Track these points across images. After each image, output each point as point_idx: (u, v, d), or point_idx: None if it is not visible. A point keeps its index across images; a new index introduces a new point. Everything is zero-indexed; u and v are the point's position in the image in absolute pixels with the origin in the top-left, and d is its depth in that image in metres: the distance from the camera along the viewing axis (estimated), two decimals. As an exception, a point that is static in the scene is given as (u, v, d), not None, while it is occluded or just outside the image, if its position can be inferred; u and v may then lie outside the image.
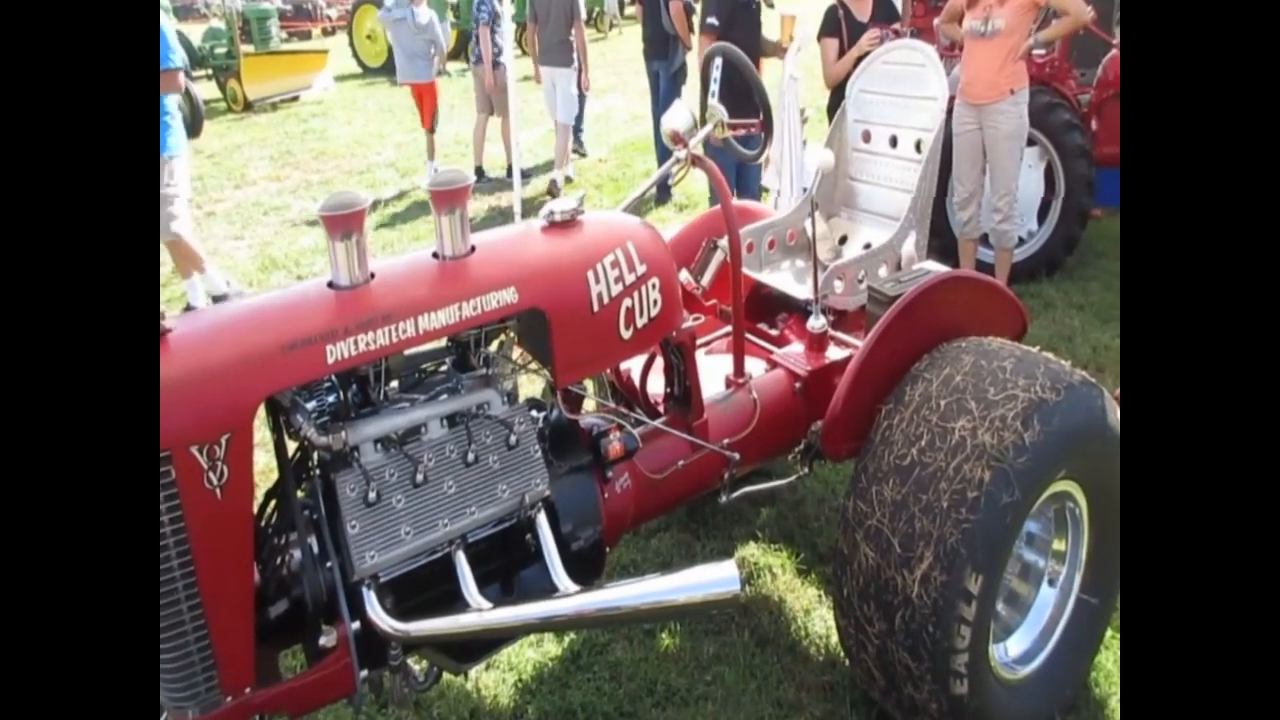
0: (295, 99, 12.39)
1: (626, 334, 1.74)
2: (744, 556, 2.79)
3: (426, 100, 7.65)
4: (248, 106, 11.72)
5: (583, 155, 8.22)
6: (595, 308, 1.68)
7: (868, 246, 2.65)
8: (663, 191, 6.61)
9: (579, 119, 8.04)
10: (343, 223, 1.48)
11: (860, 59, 4.54)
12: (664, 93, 6.54)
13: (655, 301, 1.78)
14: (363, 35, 15.05)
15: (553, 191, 7.01)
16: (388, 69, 14.80)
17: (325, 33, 20.81)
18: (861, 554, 1.90)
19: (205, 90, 11.46)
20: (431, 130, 7.75)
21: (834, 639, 2.41)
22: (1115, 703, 2.17)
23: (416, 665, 1.78)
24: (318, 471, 1.59)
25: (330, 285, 1.53)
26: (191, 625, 1.35)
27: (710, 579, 1.59)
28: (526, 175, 7.27)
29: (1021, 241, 4.70)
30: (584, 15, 7.09)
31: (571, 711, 2.22)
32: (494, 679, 2.35)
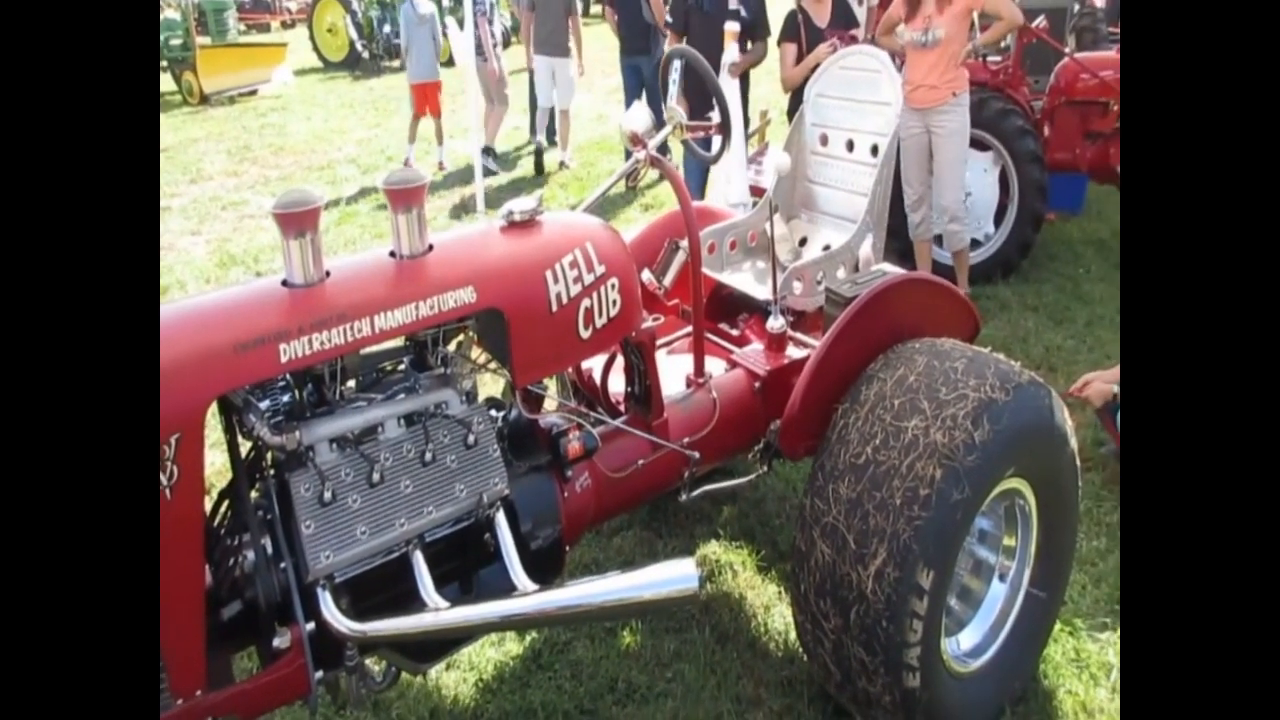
0: (253, 93, 12.15)
1: (585, 334, 1.75)
2: (705, 554, 2.81)
3: (431, 95, 7.89)
4: (204, 100, 11.45)
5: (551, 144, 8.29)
6: (554, 308, 1.68)
7: (827, 248, 2.70)
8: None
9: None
10: (296, 221, 1.46)
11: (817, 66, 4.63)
12: (649, 85, 6.63)
13: (614, 302, 1.79)
14: (323, 29, 14.80)
15: (566, 164, 7.66)
16: (349, 64, 14.60)
17: (285, 25, 20.41)
18: (818, 551, 1.93)
19: (159, 83, 11.15)
20: (419, 119, 7.90)
21: (793, 635, 2.44)
22: (1063, 694, 2.24)
23: (375, 666, 1.77)
24: (271, 472, 1.57)
25: (284, 284, 1.51)
26: None
27: (669, 576, 1.61)
28: (496, 160, 7.74)
29: (977, 244, 4.82)
30: (579, 8, 7.40)
31: (532, 710, 2.22)
32: (454, 678, 2.34)
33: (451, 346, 1.71)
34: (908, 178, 4.37)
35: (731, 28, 4.41)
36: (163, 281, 5.33)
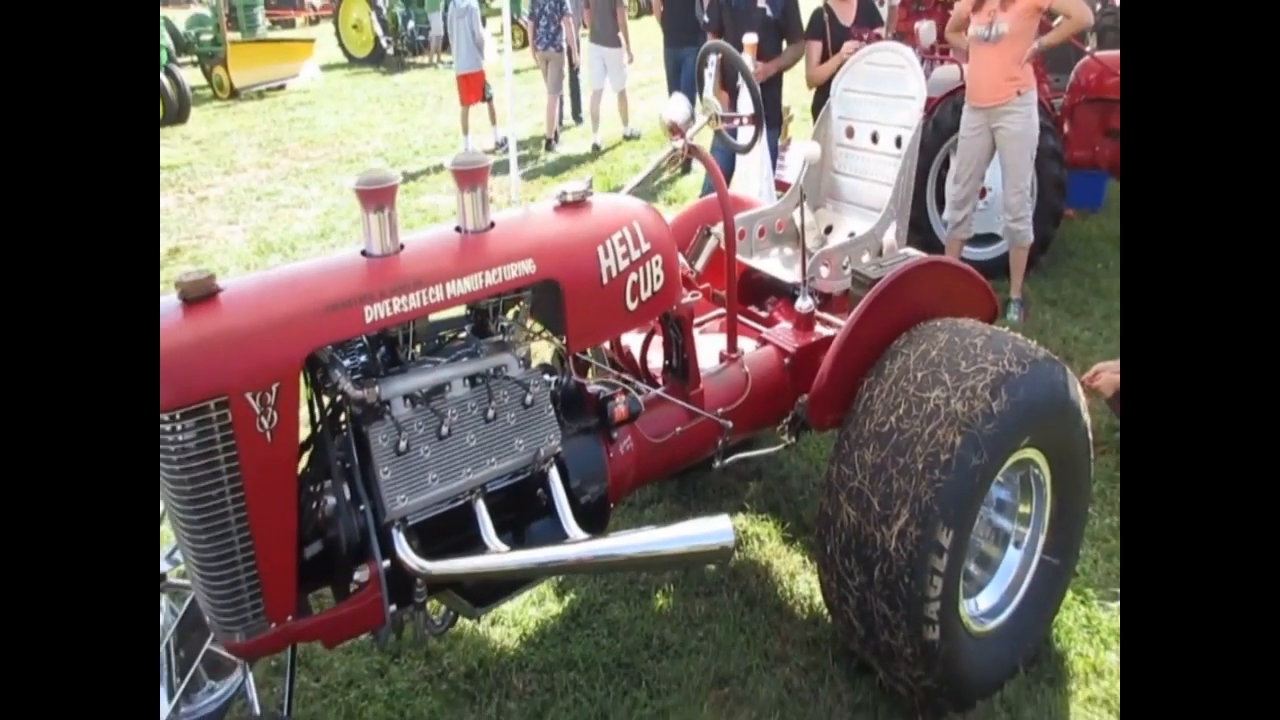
0: (281, 88, 12.39)
1: (632, 306, 1.89)
2: (733, 525, 2.95)
3: (474, 84, 8.36)
4: (233, 94, 11.71)
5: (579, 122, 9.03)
6: (604, 280, 1.83)
7: (852, 235, 2.83)
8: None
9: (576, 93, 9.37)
10: (376, 196, 1.62)
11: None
12: (688, 77, 7.04)
13: (658, 277, 1.94)
14: (349, 25, 15.04)
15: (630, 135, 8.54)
16: (374, 59, 14.84)
17: (309, 21, 20.71)
18: (844, 513, 2.07)
19: (190, 77, 11.41)
20: (472, 103, 8.40)
21: (817, 599, 2.59)
22: (1073, 656, 2.37)
23: (433, 612, 1.93)
24: (348, 425, 1.73)
25: (364, 254, 1.66)
26: (241, 556, 1.49)
27: (707, 531, 1.76)
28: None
29: (996, 239, 4.92)
30: (625, 1, 8.21)
31: (573, 662, 2.38)
32: (499, 633, 2.50)
33: (509, 315, 1.87)
34: (958, 175, 4.38)
35: (749, 40, 4.52)
36: (204, 268, 5.53)
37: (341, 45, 15.11)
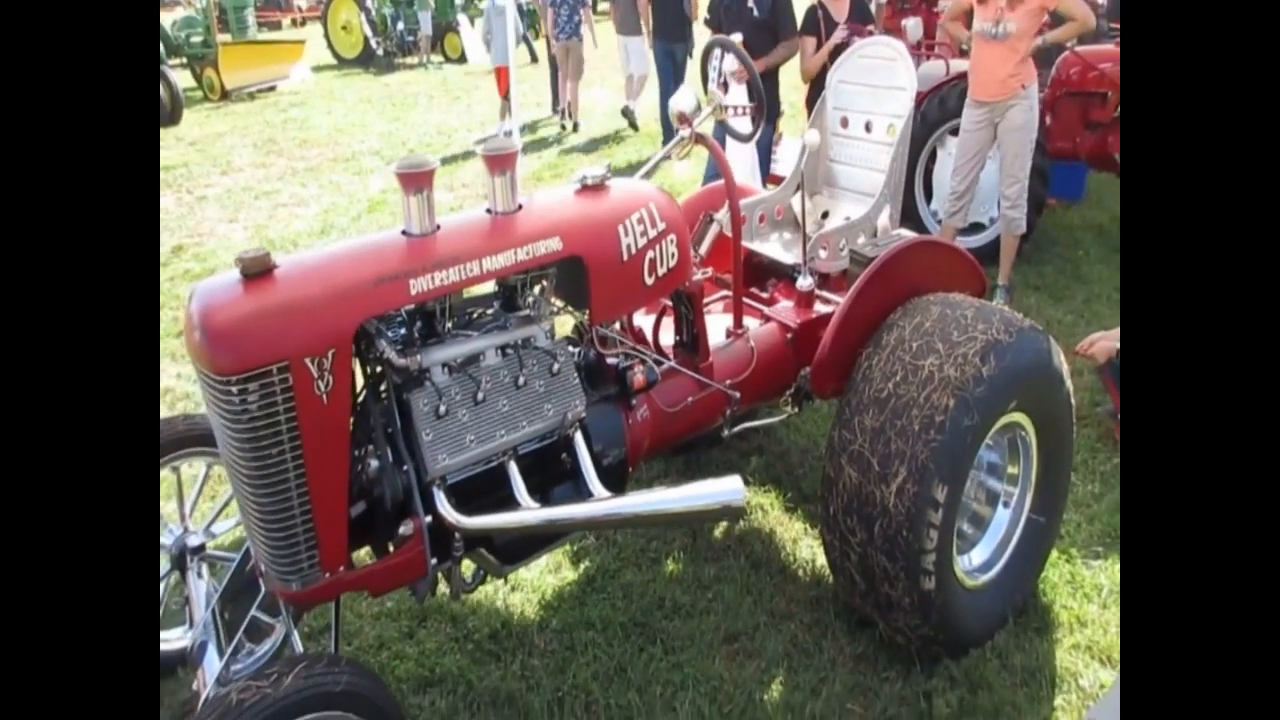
0: (272, 89, 12.44)
1: (650, 281, 2.04)
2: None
3: (504, 76, 8.65)
4: (224, 96, 11.75)
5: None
6: (625, 257, 1.98)
7: (847, 219, 2.98)
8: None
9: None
10: (415, 179, 1.75)
11: (834, 53, 4.90)
12: (680, 68, 7.67)
13: (672, 255, 2.09)
14: (338, 26, 15.09)
15: (628, 117, 9.09)
16: (363, 60, 14.91)
17: (295, 23, 20.71)
18: (845, 475, 2.23)
19: (179, 79, 11.46)
20: (506, 97, 8.74)
21: (818, 562, 2.74)
22: (1058, 608, 2.53)
23: (464, 572, 2.07)
24: (388, 392, 1.86)
25: (404, 233, 1.80)
26: (299, 510, 1.62)
27: (721, 489, 1.90)
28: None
29: (981, 228, 5.10)
30: None
31: (591, 623, 2.52)
32: (519, 598, 2.63)
33: (535, 291, 2.01)
34: (959, 168, 4.49)
35: (736, 38, 4.68)
36: (207, 265, 5.63)
37: (330, 46, 15.16)
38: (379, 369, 1.82)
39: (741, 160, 4.31)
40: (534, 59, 10.73)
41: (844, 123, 3.06)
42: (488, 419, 1.84)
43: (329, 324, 1.58)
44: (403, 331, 1.84)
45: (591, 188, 2.04)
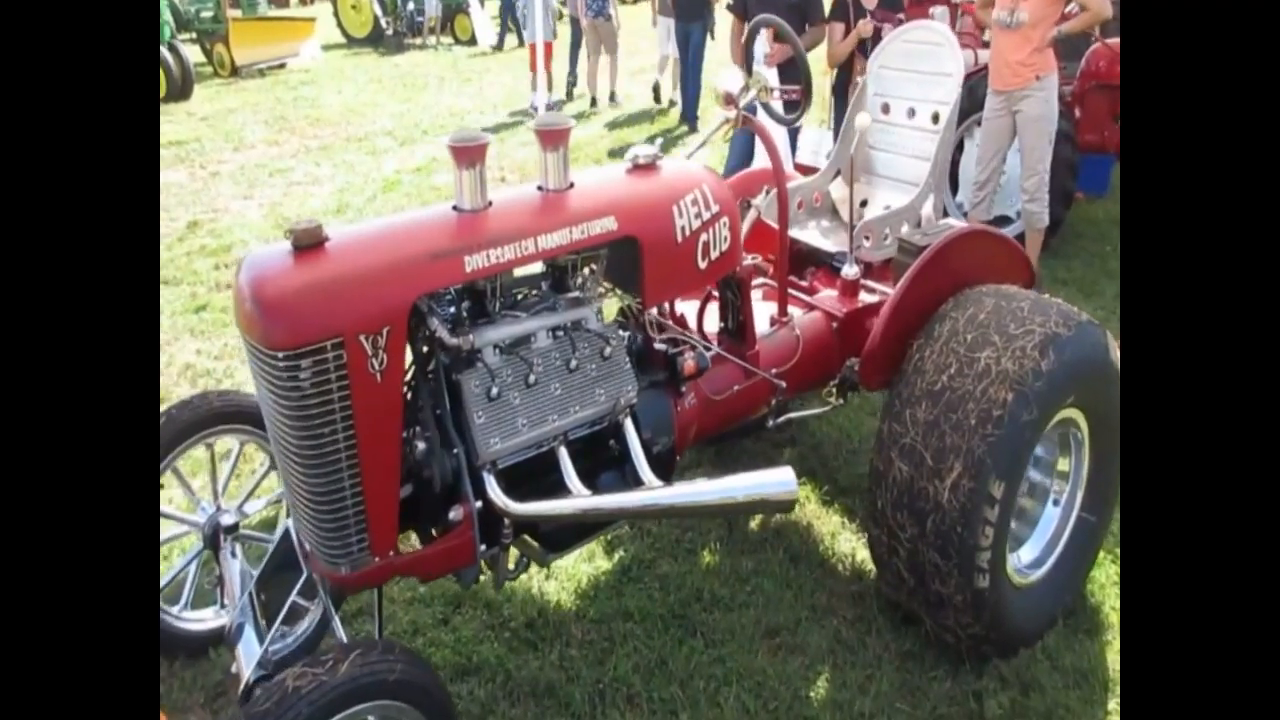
0: (282, 66, 12.31)
1: (703, 265, 1.98)
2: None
3: (546, 51, 8.82)
4: (234, 72, 11.63)
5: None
6: (679, 239, 1.92)
7: (887, 208, 2.92)
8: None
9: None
10: (468, 154, 1.69)
11: (862, 43, 4.82)
12: (695, 49, 7.93)
13: (725, 238, 2.03)
14: (348, 5, 14.93)
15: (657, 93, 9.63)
16: (372, 40, 14.76)
17: (303, 2, 20.50)
18: (896, 469, 2.18)
19: (190, 54, 11.33)
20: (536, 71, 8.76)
21: (858, 555, 2.70)
22: (1107, 609, 2.49)
23: (509, 559, 2.02)
24: (437, 373, 1.81)
25: (455, 209, 1.74)
26: (350, 492, 1.58)
27: (774, 480, 1.86)
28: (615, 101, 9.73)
29: (1009, 221, 5.03)
30: None
31: (629, 613, 2.48)
32: (554, 587, 2.59)
33: (585, 272, 1.95)
34: (981, 157, 4.48)
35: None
36: (224, 240, 5.57)
37: (340, 25, 15.01)
38: (427, 348, 1.77)
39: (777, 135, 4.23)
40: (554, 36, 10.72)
41: (885, 109, 2.99)
42: (540, 402, 1.79)
43: (385, 300, 1.53)
44: (451, 310, 1.79)
45: (643, 167, 1.98)
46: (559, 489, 1.83)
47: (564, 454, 1.82)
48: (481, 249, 1.66)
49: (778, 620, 2.47)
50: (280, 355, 1.44)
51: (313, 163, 7.56)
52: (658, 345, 2.07)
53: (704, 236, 1.96)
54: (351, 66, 12.90)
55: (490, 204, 1.76)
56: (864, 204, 3.07)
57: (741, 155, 4.86)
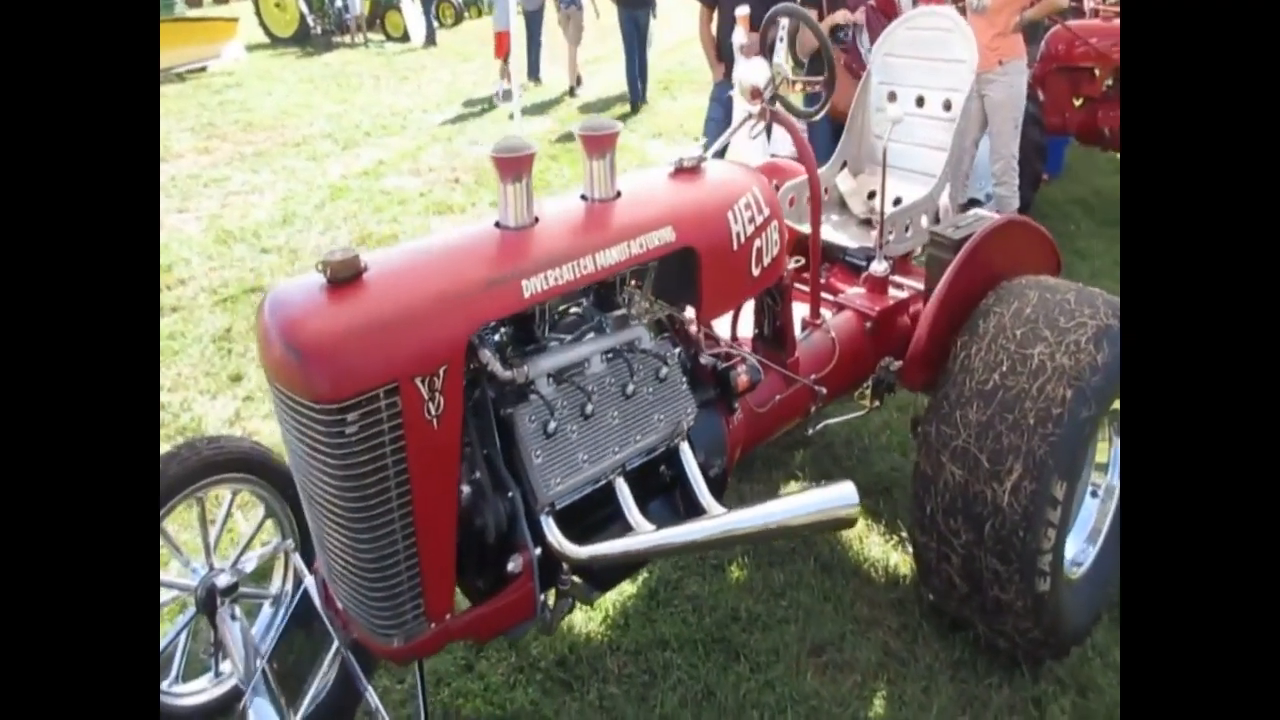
0: (202, 69, 11.62)
1: (756, 272, 1.84)
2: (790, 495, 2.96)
3: (504, 40, 9.05)
4: (151, 76, 10.90)
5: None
6: (735, 246, 1.77)
7: (898, 200, 2.83)
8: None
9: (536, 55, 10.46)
10: (514, 165, 1.51)
11: (834, 30, 4.74)
12: (642, 33, 8.29)
13: (775, 243, 1.89)
14: (270, 3, 14.22)
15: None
16: (298, 39, 14.10)
17: (218, 1, 19.48)
18: (947, 473, 2.08)
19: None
20: (505, 59, 9.11)
21: (892, 561, 2.61)
22: (1142, 597, 2.46)
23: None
24: (479, 411, 1.62)
25: (498, 225, 1.55)
26: (404, 554, 1.38)
27: (836, 497, 1.73)
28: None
29: (978, 204, 5.05)
30: None
31: (665, 641, 2.33)
32: (580, 619, 2.42)
33: (632, 286, 1.78)
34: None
35: (741, 12, 4.47)
36: (163, 259, 5.16)
37: (263, 24, 14.28)
38: (473, 384, 1.57)
39: (753, 141, 4.11)
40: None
41: (891, 97, 2.90)
42: (599, 435, 1.62)
43: (440, 336, 1.34)
44: (496, 339, 1.60)
45: (689, 170, 1.83)
46: (613, 524, 1.67)
47: (623, 487, 1.66)
48: (538, 271, 1.48)
49: (821, 636, 2.35)
50: (326, 408, 1.24)
51: (249, 170, 7.11)
52: (703, 360, 1.92)
53: (757, 242, 1.83)
54: (279, 67, 12.27)
55: (537, 220, 1.58)
56: (872, 195, 2.98)
57: (722, 129, 4.70)
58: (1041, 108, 5.19)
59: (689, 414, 1.76)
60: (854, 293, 2.50)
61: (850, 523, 2.16)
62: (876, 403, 2.44)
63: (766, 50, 2.35)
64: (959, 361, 2.12)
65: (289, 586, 2.23)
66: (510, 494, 1.54)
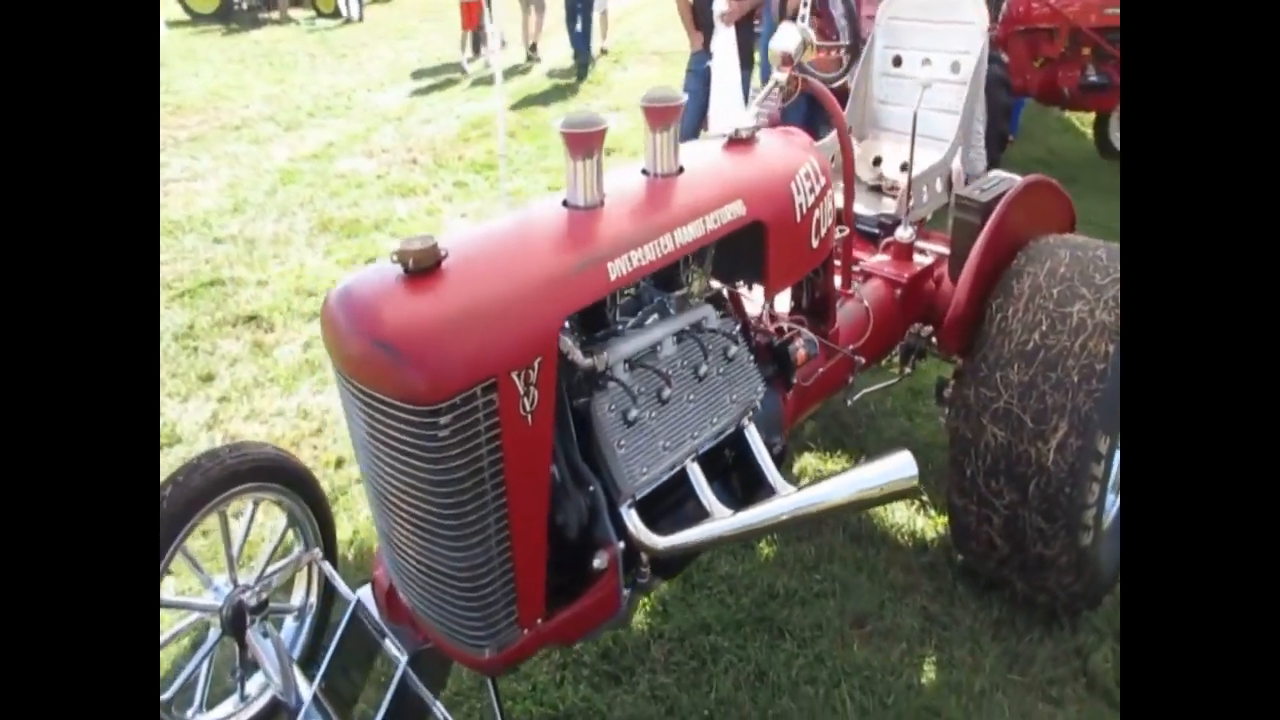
0: (118, 50, 10.88)
1: (815, 244, 1.79)
2: (804, 466, 2.94)
3: (473, 11, 9.15)
4: (62, 59, 10.16)
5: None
6: (798, 218, 1.72)
7: (903, 166, 2.81)
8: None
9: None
10: (585, 142, 1.42)
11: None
12: (588, 5, 8.47)
13: (830, 213, 1.84)
14: (188, -23, 13.38)
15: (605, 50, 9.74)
16: (221, 16, 13.33)
17: (124, -25, 18.26)
18: (988, 435, 2.08)
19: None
20: (471, 29, 9.32)
21: (918, 525, 2.62)
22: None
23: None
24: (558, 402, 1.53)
25: (565, 204, 1.46)
26: (499, 560, 1.29)
27: (897, 467, 1.70)
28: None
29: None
30: None
31: (707, 625, 2.29)
32: (621, 608, 2.36)
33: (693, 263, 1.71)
34: None
35: None
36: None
37: (183, 1, 13.44)
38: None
39: (732, 104, 4.05)
40: None
41: (896, 61, 2.86)
42: (676, 420, 1.55)
43: (535, 326, 1.25)
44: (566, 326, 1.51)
45: (744, 141, 1.75)
46: (683, 510, 1.61)
47: (697, 472, 1.59)
48: (622, 252, 1.40)
49: (860, 606, 2.35)
50: (421, 409, 1.14)
51: (187, 156, 6.70)
52: (760, 337, 1.86)
53: (816, 213, 1.78)
54: (204, 46, 11.58)
55: (605, 198, 1.49)
56: (877, 161, 2.95)
57: (697, 111, 4.64)
58: (1007, 69, 5.25)
59: (759, 393, 1.70)
60: (879, 260, 2.48)
61: (913, 492, 2.16)
62: (908, 369, 2.43)
63: (790, 17, 2.28)
64: (995, 324, 2.11)
65: (314, 599, 2.11)
66: (591, 487, 1.46)
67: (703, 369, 1.60)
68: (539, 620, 1.39)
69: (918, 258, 2.46)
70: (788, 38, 2.13)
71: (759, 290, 2.22)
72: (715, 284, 1.78)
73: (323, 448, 3.07)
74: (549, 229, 1.41)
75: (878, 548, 2.56)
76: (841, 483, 1.69)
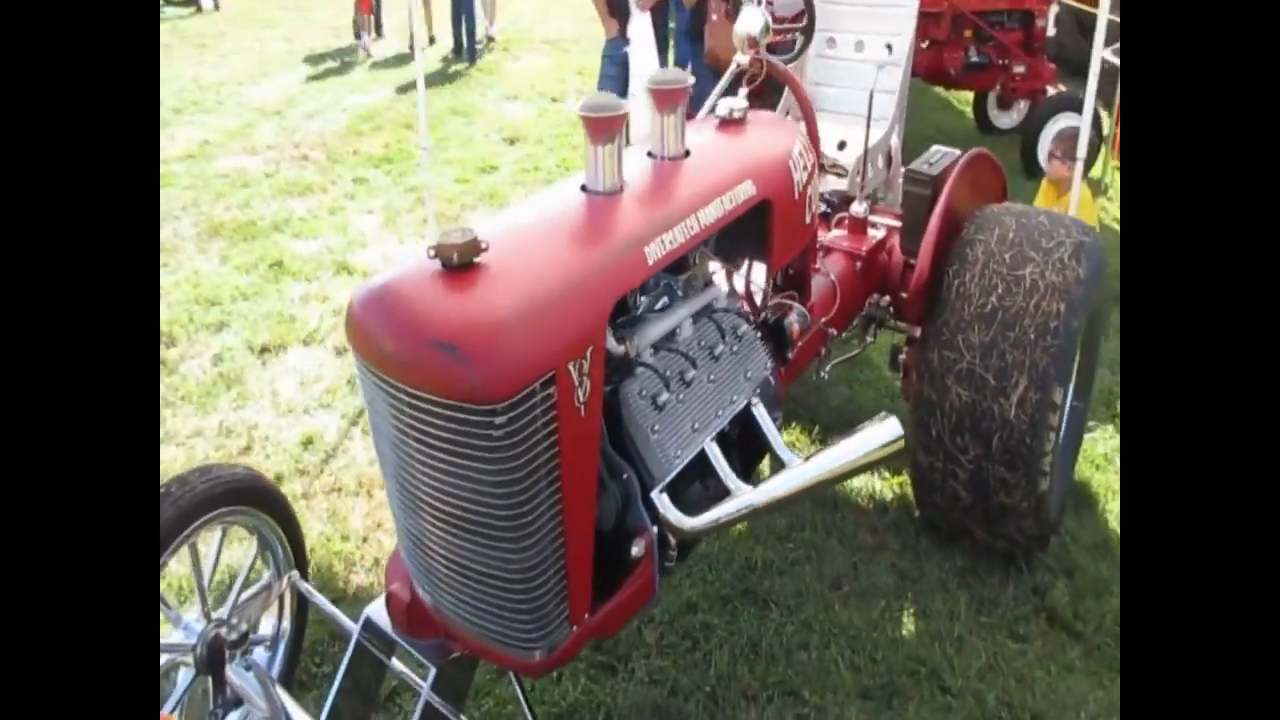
0: None
1: (808, 220, 1.82)
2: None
3: None
4: None
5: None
6: (796, 195, 1.74)
7: (842, 144, 2.91)
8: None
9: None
10: (605, 126, 1.38)
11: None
12: None
13: (818, 190, 1.88)
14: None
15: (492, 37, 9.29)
16: None
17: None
18: (953, 395, 2.19)
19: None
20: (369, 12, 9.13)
21: (878, 487, 2.73)
22: (1094, 487, 2.75)
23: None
24: None
25: (584, 189, 1.42)
26: (554, 558, 1.24)
27: (885, 433, 1.77)
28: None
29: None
30: None
31: (693, 604, 2.30)
32: (608, 596, 2.33)
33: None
34: None
35: None
36: None
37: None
38: None
39: (649, 65, 4.04)
40: None
41: (830, 43, 2.95)
42: (701, 401, 1.54)
43: (588, 314, 1.22)
44: None
45: (735, 122, 1.76)
46: (704, 488, 1.60)
47: (715, 450, 1.58)
48: (656, 235, 1.37)
49: (835, 569, 2.43)
50: (482, 408, 1.07)
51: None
52: (762, 313, 1.88)
53: (810, 190, 1.81)
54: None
55: (623, 183, 1.45)
56: (813, 140, 3.03)
57: (619, 86, 4.60)
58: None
59: (766, 368, 1.72)
60: (836, 235, 2.55)
61: (899, 452, 2.24)
62: (869, 339, 2.52)
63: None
64: (954, 290, 2.22)
65: (286, 625, 1.95)
66: (624, 475, 1.42)
67: (719, 349, 1.60)
68: (586, 616, 1.34)
69: (871, 231, 2.55)
70: (751, 20, 2.15)
71: (744, 268, 2.26)
72: (713, 264, 1.78)
73: (256, 465, 2.85)
74: (578, 216, 1.38)
75: (842, 512, 2.65)
76: (843, 450, 1.73)
